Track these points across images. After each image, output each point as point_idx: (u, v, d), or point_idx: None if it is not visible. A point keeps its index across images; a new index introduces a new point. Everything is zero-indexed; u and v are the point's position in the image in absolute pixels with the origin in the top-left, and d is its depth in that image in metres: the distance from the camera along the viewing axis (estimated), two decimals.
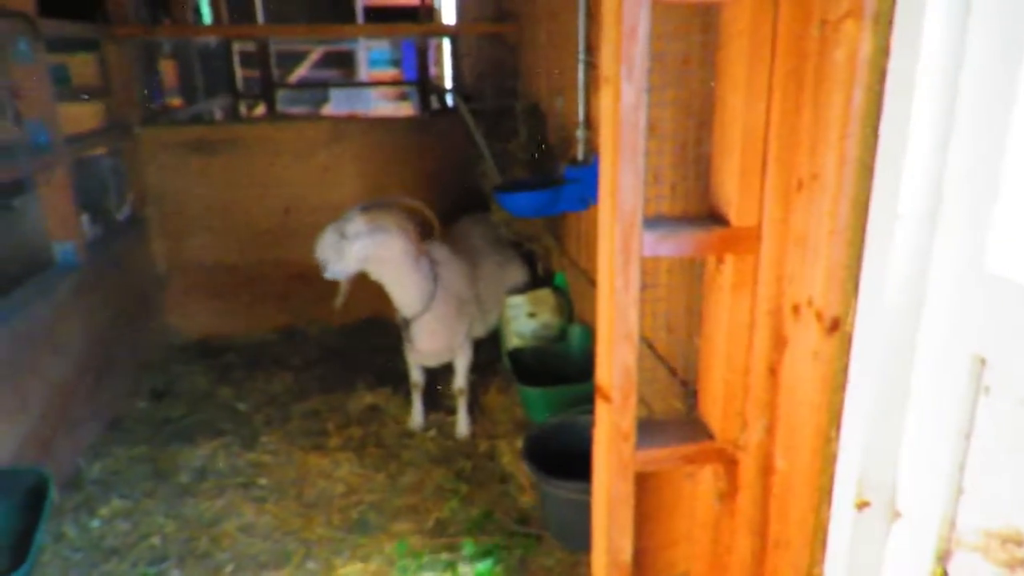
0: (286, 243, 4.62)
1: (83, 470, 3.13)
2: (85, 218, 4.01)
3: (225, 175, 4.48)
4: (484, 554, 2.57)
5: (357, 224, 2.92)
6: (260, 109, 7.21)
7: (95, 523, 2.82)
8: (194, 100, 6.52)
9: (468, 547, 2.60)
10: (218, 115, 6.77)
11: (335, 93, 10.97)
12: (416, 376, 3.51)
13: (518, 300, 3.65)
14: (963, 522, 1.18)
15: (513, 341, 3.63)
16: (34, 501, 2.37)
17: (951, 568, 1.21)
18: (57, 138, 3.28)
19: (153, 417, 3.66)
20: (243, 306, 4.69)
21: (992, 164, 1.08)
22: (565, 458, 2.55)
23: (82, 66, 5.26)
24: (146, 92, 4.86)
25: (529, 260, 3.98)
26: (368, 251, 2.96)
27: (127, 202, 4.50)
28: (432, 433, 3.46)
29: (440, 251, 3.33)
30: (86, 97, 5.08)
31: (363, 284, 4.69)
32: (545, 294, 3.64)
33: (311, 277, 4.71)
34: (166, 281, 4.53)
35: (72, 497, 2.95)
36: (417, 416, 3.52)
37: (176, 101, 6.56)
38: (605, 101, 1.45)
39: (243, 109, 7.09)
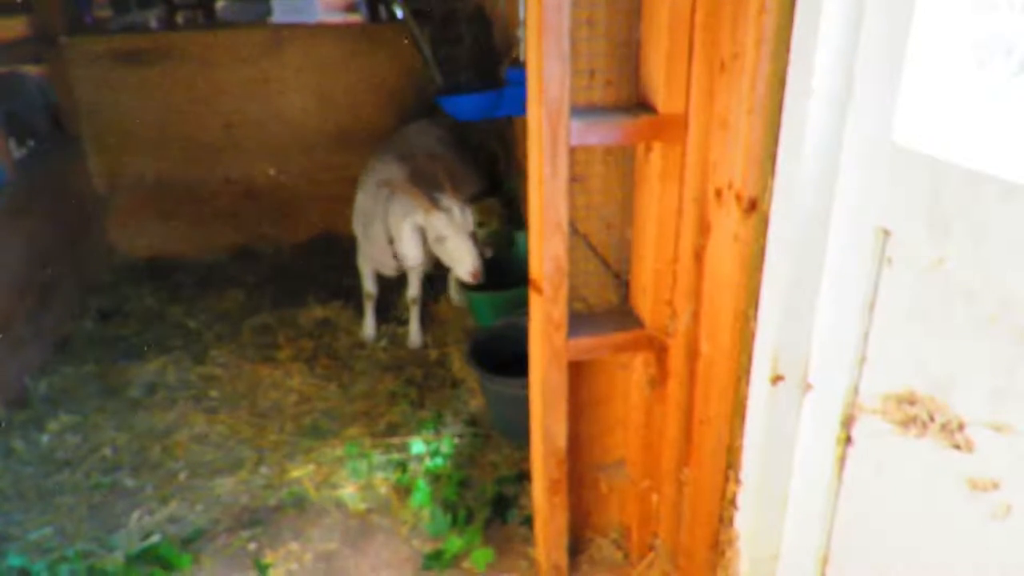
0: (231, 160, 4.48)
1: (30, 389, 3.10)
2: (13, 141, 3.83)
3: (161, 88, 4.28)
4: (433, 452, 2.65)
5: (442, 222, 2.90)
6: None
7: (44, 438, 2.81)
8: (126, 11, 6.17)
9: (417, 446, 2.67)
10: (153, 25, 6.43)
11: (278, 4, 10.38)
12: (370, 287, 3.50)
13: None
14: (865, 388, 1.24)
15: None
16: None
17: (854, 432, 1.28)
18: None
19: (101, 337, 3.62)
20: (191, 226, 4.58)
21: (899, 39, 1.08)
22: (511, 359, 2.60)
23: None
24: (73, 2, 4.58)
25: (484, 166, 3.93)
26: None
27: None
28: (384, 343, 3.48)
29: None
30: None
31: (313, 202, 4.63)
32: (493, 203, 3.63)
33: (260, 195, 4.65)
34: (108, 200, 4.38)
35: (19, 415, 2.94)
36: (369, 327, 3.53)
37: (106, 13, 6.20)
38: None
39: (180, 20, 6.73)
